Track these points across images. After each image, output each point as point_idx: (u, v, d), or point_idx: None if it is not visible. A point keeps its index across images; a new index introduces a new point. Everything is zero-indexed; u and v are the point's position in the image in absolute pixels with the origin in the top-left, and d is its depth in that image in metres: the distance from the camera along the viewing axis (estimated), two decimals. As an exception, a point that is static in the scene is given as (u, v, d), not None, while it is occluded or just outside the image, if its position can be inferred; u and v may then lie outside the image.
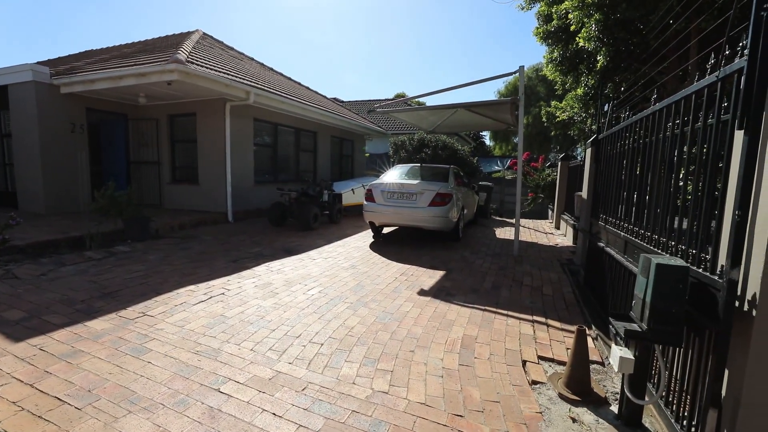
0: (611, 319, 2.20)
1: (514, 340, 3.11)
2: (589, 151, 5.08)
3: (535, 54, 63.21)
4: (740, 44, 1.76)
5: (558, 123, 12.58)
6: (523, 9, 11.03)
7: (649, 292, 1.92)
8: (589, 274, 4.55)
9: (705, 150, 2.02)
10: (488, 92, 62.24)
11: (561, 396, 2.37)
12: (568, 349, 2.98)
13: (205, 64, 7.32)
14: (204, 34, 10.33)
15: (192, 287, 4.01)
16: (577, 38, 8.21)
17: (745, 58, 1.68)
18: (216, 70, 7.33)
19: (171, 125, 9.15)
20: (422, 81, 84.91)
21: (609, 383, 2.57)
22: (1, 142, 8.64)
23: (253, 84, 8.21)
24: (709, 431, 1.73)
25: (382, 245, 6.68)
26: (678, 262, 1.91)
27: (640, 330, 1.99)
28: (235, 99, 8.03)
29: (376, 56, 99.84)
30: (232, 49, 11.39)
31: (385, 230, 8.05)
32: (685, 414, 1.96)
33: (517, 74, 6.10)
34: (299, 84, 13.47)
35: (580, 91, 9.56)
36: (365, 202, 6.84)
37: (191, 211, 8.66)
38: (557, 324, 3.47)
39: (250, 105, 8.31)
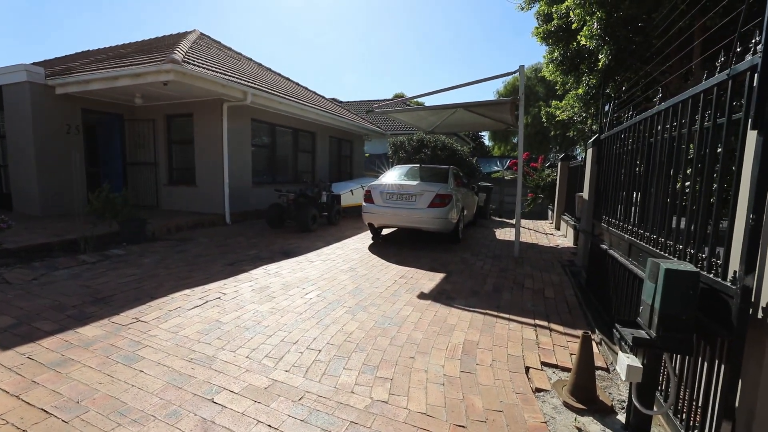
0: (618, 326, 2.12)
1: (517, 345, 3.04)
2: (590, 151, 5.01)
3: (532, 54, 63.37)
4: (752, 41, 1.70)
5: (558, 123, 12.52)
6: (522, 9, 10.98)
7: (657, 298, 1.85)
8: (591, 276, 4.49)
9: (715, 150, 1.95)
10: (487, 92, 62.37)
11: (566, 404, 2.30)
12: (572, 354, 2.91)
13: (202, 64, 7.23)
14: (201, 34, 10.22)
15: (187, 291, 3.93)
16: (578, 37, 8.13)
17: (759, 54, 1.61)
18: (213, 70, 7.25)
19: (168, 126, 9.07)
20: (421, 81, 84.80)
21: (615, 390, 2.50)
22: (-5, 144, 8.54)
23: (250, 84, 8.13)
24: (722, 444, 1.66)
25: (381, 247, 6.61)
26: (688, 267, 1.84)
27: (648, 337, 1.92)
28: (233, 99, 7.95)
29: (374, 56, 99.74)
30: (229, 49, 11.29)
31: (384, 232, 7.98)
32: (696, 424, 1.90)
33: (517, 74, 6.04)
34: (297, 84, 13.37)
35: (581, 90, 9.48)
36: (364, 204, 6.77)
37: (188, 212, 8.57)
38: (560, 328, 3.40)
39: (247, 105, 8.23)
